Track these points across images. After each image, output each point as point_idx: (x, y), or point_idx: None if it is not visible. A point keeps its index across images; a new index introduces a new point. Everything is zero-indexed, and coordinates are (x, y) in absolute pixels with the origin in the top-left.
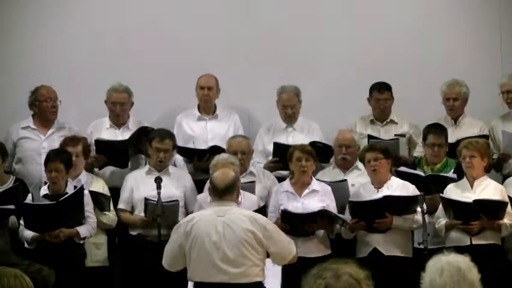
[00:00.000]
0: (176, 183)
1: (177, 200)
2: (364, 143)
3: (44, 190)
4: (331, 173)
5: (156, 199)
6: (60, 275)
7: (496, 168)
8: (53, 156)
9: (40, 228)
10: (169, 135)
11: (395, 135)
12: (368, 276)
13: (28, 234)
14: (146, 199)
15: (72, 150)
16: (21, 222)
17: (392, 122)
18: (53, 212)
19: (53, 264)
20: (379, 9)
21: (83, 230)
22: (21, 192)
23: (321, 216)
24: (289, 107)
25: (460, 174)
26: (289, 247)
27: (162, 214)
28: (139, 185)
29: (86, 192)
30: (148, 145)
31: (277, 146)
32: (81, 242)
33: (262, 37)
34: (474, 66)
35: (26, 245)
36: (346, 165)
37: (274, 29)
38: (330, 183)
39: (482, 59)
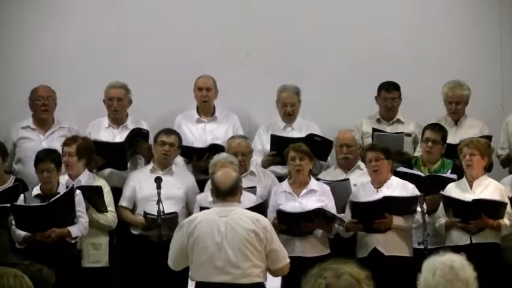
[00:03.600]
0: (179, 183)
1: (175, 212)
2: (369, 142)
3: (36, 190)
4: (333, 173)
5: (156, 213)
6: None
7: (505, 164)
8: (43, 157)
9: (31, 229)
10: (176, 133)
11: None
12: (368, 276)
13: (19, 234)
14: (145, 213)
15: (66, 149)
16: (13, 222)
17: (398, 121)
18: (44, 212)
19: (45, 264)
20: (379, 9)
21: (74, 230)
22: (21, 192)
23: (317, 215)
24: (289, 104)
25: (458, 175)
26: (284, 254)
27: (162, 223)
28: (142, 183)
29: (77, 192)
30: (150, 148)
31: (275, 139)
32: (73, 241)
33: (262, 37)
34: (474, 66)
35: (17, 245)
36: (347, 165)
37: (274, 29)
38: (331, 182)
39: (482, 59)
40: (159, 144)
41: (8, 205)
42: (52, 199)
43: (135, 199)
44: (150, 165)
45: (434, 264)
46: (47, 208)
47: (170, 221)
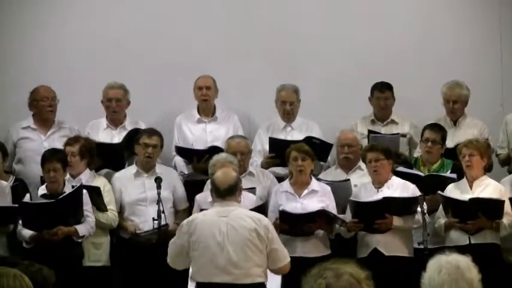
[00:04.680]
0: (164, 184)
1: (166, 225)
2: (365, 143)
3: (42, 190)
4: (334, 173)
5: (148, 229)
6: (57, 274)
7: (504, 164)
8: (49, 156)
9: (38, 227)
10: (158, 133)
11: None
12: (368, 276)
13: (26, 233)
14: (136, 234)
15: (69, 149)
16: (19, 221)
17: (393, 122)
18: (51, 210)
19: (50, 263)
20: (379, 9)
21: (81, 229)
22: (21, 192)
23: (320, 216)
24: (288, 103)
25: (458, 175)
26: (284, 253)
27: (155, 236)
28: (127, 186)
29: (84, 191)
30: (136, 144)
31: (273, 141)
32: (80, 240)
33: (262, 37)
34: (474, 66)
35: (24, 245)
36: (348, 165)
37: (274, 29)
38: (332, 183)
39: (482, 59)
40: (142, 146)
41: (14, 205)
42: (60, 196)
43: (122, 203)
44: (134, 168)
45: (440, 263)
46: (54, 205)
47: (163, 233)
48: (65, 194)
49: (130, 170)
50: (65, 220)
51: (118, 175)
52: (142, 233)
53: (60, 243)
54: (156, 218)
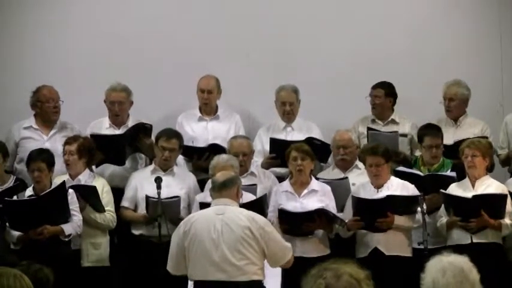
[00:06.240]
0: (180, 183)
1: (178, 196)
2: (365, 142)
3: (29, 191)
4: (331, 173)
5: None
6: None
7: (504, 164)
8: (34, 156)
9: (24, 227)
10: (176, 135)
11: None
12: (368, 276)
13: (13, 234)
14: (147, 196)
15: (67, 148)
16: (7, 223)
17: (393, 122)
18: (35, 208)
19: (40, 263)
20: (378, 9)
21: (67, 227)
22: (22, 192)
23: (319, 216)
24: (288, 103)
25: (458, 174)
26: (285, 251)
27: (163, 213)
28: (143, 183)
29: (70, 191)
30: (152, 144)
31: (274, 142)
32: (66, 239)
33: (262, 37)
34: (474, 66)
35: (12, 246)
36: (345, 165)
37: (274, 29)
38: (330, 181)
39: (482, 59)
40: (159, 149)
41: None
42: (43, 193)
43: (137, 199)
44: (152, 166)
45: (443, 265)
46: (38, 202)
47: (172, 205)
48: (47, 190)
49: (149, 168)
50: (51, 219)
51: (136, 173)
52: (153, 198)
53: (48, 242)
54: (156, 217)
